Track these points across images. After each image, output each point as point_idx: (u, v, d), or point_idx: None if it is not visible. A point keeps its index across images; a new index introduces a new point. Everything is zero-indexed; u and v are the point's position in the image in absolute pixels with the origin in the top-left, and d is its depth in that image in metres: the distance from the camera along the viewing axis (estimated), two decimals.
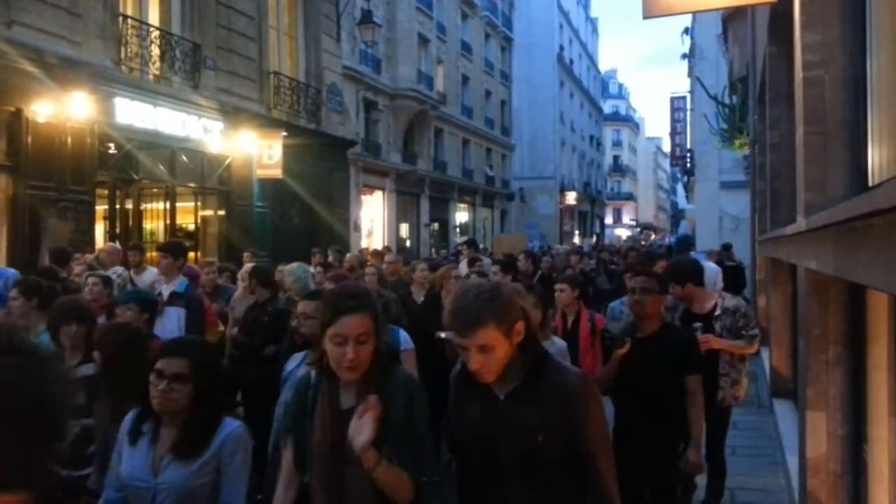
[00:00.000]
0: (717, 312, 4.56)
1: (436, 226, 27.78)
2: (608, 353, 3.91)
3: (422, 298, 6.31)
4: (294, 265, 6.52)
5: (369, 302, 2.28)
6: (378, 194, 22.86)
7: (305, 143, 15.16)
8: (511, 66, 37.57)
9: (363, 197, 21.33)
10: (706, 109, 18.23)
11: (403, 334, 4.41)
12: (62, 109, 9.51)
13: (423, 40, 25.56)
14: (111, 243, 7.52)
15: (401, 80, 23.08)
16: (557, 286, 5.35)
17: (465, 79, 30.78)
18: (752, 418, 7.30)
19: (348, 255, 9.38)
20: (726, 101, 15.25)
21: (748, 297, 15.09)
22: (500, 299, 2.04)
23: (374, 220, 22.61)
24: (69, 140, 9.79)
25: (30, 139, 9.30)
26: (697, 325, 4.48)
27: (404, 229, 25.19)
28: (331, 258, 9.45)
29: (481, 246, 19.40)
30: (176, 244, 5.89)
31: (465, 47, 30.50)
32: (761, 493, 5.27)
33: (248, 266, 6.83)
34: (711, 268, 13.89)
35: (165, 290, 5.37)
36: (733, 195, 18.78)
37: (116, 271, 6.14)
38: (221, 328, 6.05)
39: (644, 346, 3.71)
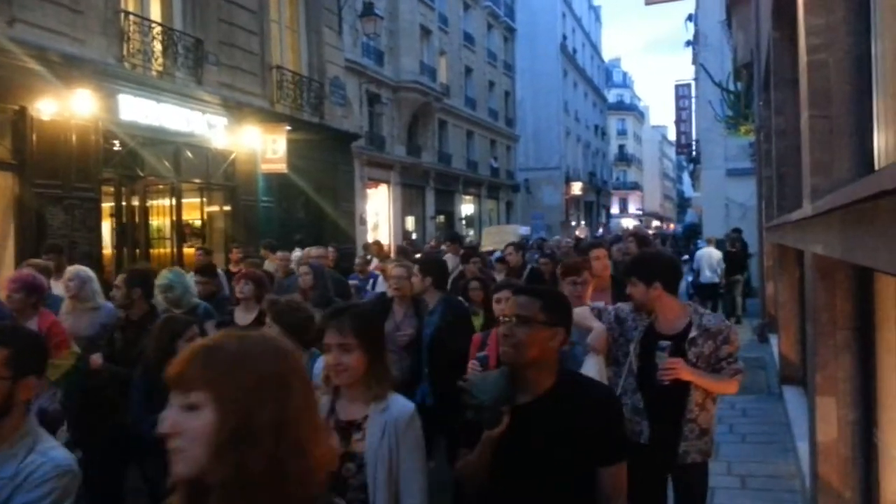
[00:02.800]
0: (693, 334, 3.28)
1: (441, 218, 27.76)
2: (473, 434, 2.24)
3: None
4: (165, 272, 5.42)
5: None
6: (383, 187, 22.85)
7: (309, 138, 15.16)
8: (514, 57, 37.42)
9: (368, 190, 21.32)
10: (711, 97, 18.12)
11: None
12: (66, 107, 9.52)
13: (426, 32, 25.47)
14: None
15: (403, 73, 23.02)
16: (498, 296, 4.05)
17: (468, 70, 30.68)
18: (762, 405, 7.29)
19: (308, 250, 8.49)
20: (731, 87, 15.15)
21: (751, 278, 15.15)
22: None
23: (379, 213, 22.61)
24: (74, 137, 9.80)
25: (34, 137, 9.32)
26: (665, 343, 3.23)
27: (410, 222, 25.19)
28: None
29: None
30: None
31: (468, 38, 30.39)
32: (772, 479, 5.27)
33: (123, 275, 5.06)
34: (711, 252, 14.24)
35: None
36: (740, 183, 18.69)
37: None
38: (76, 349, 4.59)
39: (530, 417, 2.16)
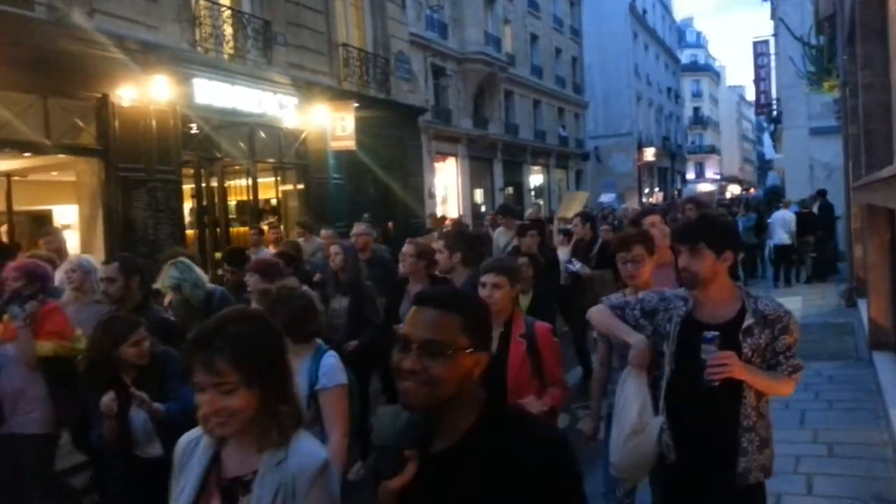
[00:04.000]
0: (748, 322, 2.60)
1: (510, 190, 27.59)
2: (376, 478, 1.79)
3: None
4: (170, 268, 4.88)
5: None
6: (451, 161, 22.85)
7: (376, 114, 15.27)
8: (581, 21, 36.51)
9: (436, 164, 21.37)
10: (792, 52, 17.27)
11: (330, 361, 3.14)
12: (145, 93, 9.89)
13: (489, 1, 25.13)
14: None
15: (468, 44, 22.83)
16: (486, 279, 3.33)
17: (534, 37, 30.14)
18: (850, 371, 7.02)
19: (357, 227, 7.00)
20: (813, 42, 14.39)
21: (838, 241, 14.60)
22: None
23: (447, 186, 22.66)
24: (153, 122, 10.19)
25: (117, 123, 9.74)
26: (712, 334, 2.52)
27: (478, 195, 25.14)
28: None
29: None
30: None
31: (533, 5, 29.81)
32: (862, 447, 5.07)
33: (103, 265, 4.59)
34: (785, 214, 14.06)
35: None
36: (824, 141, 17.83)
37: None
38: (81, 336, 4.03)
39: (446, 469, 1.58)
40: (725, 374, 2.49)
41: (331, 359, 3.14)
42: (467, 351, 1.56)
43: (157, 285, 4.76)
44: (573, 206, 13.54)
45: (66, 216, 11.77)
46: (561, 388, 3.39)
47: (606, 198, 23.99)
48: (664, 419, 2.68)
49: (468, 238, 5.14)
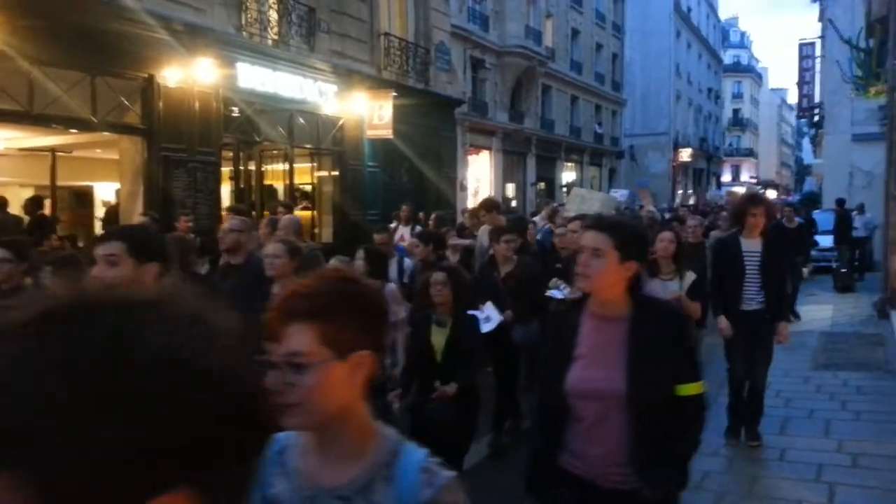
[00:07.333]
0: None
1: (542, 185, 27.50)
2: None
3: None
4: None
5: None
6: (484, 154, 22.84)
7: (414, 103, 15.34)
8: (624, 17, 36.10)
9: (469, 157, 21.38)
10: (839, 56, 16.94)
11: None
12: (190, 75, 10.09)
13: None
14: None
15: (508, 37, 22.77)
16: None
17: (575, 32, 29.91)
18: (879, 383, 6.93)
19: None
20: (862, 45, 14.10)
21: (873, 251, 14.39)
22: None
23: (480, 179, 22.65)
24: (197, 104, 10.40)
25: (161, 104, 9.96)
26: None
27: (510, 189, 25.08)
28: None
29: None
30: None
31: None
32: (888, 459, 5.03)
33: None
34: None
35: None
36: (866, 148, 17.56)
37: None
38: None
39: None
40: None
41: None
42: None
43: None
44: (591, 206, 10.52)
45: (108, 193, 12.08)
46: None
47: (619, 195, 23.27)
48: None
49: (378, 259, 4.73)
